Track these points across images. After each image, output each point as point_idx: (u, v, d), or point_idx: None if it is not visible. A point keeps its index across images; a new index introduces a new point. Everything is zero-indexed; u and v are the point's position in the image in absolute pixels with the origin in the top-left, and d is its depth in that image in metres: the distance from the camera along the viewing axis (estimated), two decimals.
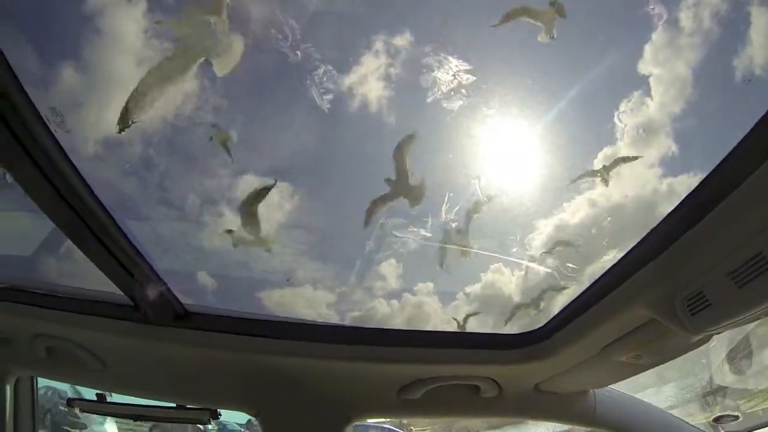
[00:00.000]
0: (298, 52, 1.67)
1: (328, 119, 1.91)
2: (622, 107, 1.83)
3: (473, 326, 2.08)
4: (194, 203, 2.05)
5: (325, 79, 1.71)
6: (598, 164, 1.88)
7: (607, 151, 1.88)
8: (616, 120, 1.84)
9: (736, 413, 2.57)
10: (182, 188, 2.05)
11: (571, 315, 1.39)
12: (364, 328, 1.65)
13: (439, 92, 1.71)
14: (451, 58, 1.67)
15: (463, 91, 1.70)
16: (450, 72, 1.68)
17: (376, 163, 1.98)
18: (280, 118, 1.97)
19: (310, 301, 2.10)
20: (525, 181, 1.93)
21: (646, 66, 1.81)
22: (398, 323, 2.09)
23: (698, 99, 1.84)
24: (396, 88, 1.86)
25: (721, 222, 0.97)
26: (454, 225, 1.89)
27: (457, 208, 1.87)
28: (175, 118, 1.87)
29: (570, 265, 1.89)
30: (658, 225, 1.13)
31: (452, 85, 1.69)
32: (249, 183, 1.97)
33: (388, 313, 2.11)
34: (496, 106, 1.72)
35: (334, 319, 2.08)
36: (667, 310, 1.15)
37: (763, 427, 2.46)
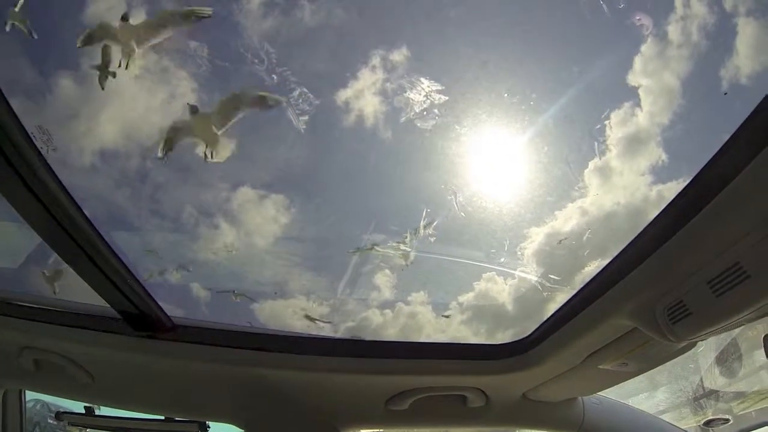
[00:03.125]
0: (274, 76, 1.69)
1: (323, 132, 1.93)
2: (612, 117, 1.85)
3: (466, 335, 2.09)
4: (189, 215, 2.04)
5: (300, 101, 1.73)
6: (588, 175, 1.89)
7: (597, 161, 1.89)
8: (606, 130, 1.85)
9: (726, 416, 2.58)
10: (177, 200, 2.05)
11: (555, 325, 1.40)
12: (350, 339, 1.65)
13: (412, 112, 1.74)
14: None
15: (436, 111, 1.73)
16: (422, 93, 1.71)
17: (368, 175, 2.01)
18: (276, 131, 1.96)
19: (304, 312, 2.07)
20: (516, 190, 1.92)
21: (635, 77, 1.82)
22: (392, 333, 2.07)
23: (686, 109, 1.85)
24: (391, 103, 1.86)
25: (699, 231, 0.98)
26: (432, 240, 1.89)
27: (435, 223, 1.88)
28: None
29: (555, 277, 1.90)
30: (638, 235, 1.14)
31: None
32: (245, 195, 1.98)
33: (382, 323, 2.10)
34: (482, 114, 1.74)
35: (327, 329, 2.06)
36: (648, 319, 1.16)
37: (752, 430, 2.47)
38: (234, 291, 2.02)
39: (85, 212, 1.25)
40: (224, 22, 1.74)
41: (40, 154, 1.13)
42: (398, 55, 1.77)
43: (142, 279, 1.45)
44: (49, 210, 1.16)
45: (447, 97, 1.72)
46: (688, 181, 1.02)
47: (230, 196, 2.00)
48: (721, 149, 0.93)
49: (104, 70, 1.67)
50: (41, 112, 1.74)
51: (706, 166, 0.97)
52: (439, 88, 1.71)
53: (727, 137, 0.92)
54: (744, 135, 0.89)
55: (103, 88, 1.71)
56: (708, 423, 2.54)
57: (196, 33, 1.72)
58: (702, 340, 1.22)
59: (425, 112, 1.75)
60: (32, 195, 1.12)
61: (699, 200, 0.95)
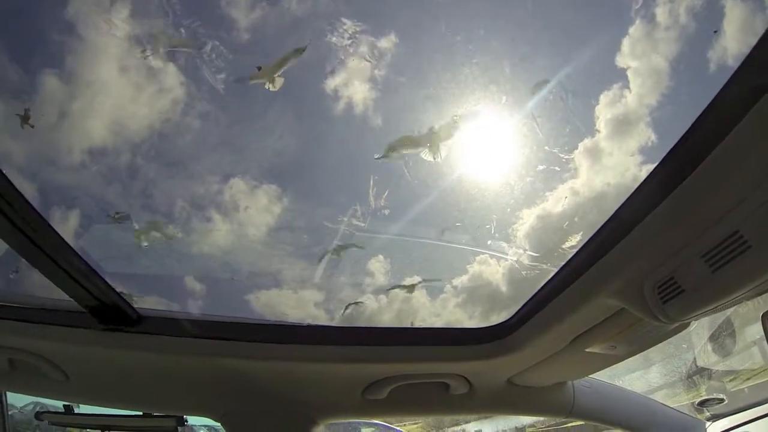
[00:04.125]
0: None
1: (312, 121, 1.97)
2: (601, 99, 1.85)
3: (461, 318, 2.08)
4: (181, 209, 2.07)
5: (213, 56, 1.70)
6: (578, 156, 1.88)
7: (587, 142, 1.88)
8: (596, 111, 1.85)
9: (721, 396, 2.55)
10: (168, 194, 2.07)
11: (536, 306, 1.32)
12: (326, 326, 1.60)
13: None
14: None
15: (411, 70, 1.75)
16: None
17: (359, 163, 2.02)
18: (264, 121, 2.00)
19: (298, 301, 2.10)
20: (506, 172, 1.90)
21: (623, 59, 1.82)
22: (387, 319, 2.08)
23: (674, 90, 1.85)
24: (382, 90, 1.89)
25: (690, 197, 0.87)
26: (386, 212, 1.86)
27: (386, 193, 1.85)
28: (162, 125, 1.92)
29: (539, 254, 1.87)
30: (622, 204, 1.03)
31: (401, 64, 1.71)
32: (236, 187, 2.00)
33: (377, 309, 2.10)
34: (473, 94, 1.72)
35: (322, 317, 2.07)
36: (636, 299, 1.07)
37: (748, 409, 2.45)
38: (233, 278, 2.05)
39: (39, 212, 1.22)
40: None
41: None
42: (386, 42, 1.77)
43: (102, 272, 1.39)
44: (1, 210, 1.12)
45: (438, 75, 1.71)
46: (674, 144, 0.91)
47: (222, 188, 2.04)
48: (711, 103, 0.82)
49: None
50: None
51: (694, 123, 0.86)
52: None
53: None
54: (731, 92, 0.78)
55: None
56: (702, 403, 2.51)
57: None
58: (695, 320, 1.13)
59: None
60: None
61: (688, 162, 0.84)
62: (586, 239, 1.14)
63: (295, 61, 1.70)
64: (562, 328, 1.29)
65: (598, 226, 1.11)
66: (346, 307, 2.01)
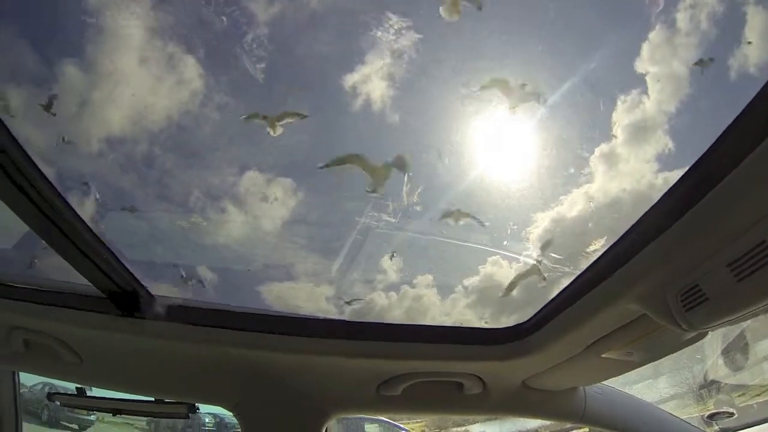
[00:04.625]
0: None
1: (329, 115, 1.96)
2: (619, 104, 1.83)
3: (471, 319, 2.07)
4: (197, 199, 2.08)
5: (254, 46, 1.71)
6: (594, 160, 1.86)
7: (603, 147, 1.86)
8: (614, 116, 1.83)
9: (731, 410, 2.52)
10: (184, 184, 2.09)
11: (556, 310, 1.31)
12: (344, 321, 1.61)
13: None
14: None
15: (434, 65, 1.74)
16: None
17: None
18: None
19: (310, 295, 2.11)
20: (521, 173, 1.90)
21: (643, 64, 1.81)
22: (397, 316, 2.09)
23: (693, 97, 1.84)
24: (400, 88, 1.88)
25: (719, 207, 0.87)
26: (418, 209, 1.86)
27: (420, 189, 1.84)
28: (181, 116, 1.94)
29: (558, 257, 1.86)
30: (648, 211, 1.02)
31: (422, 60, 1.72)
32: (252, 179, 2.00)
33: (387, 306, 2.11)
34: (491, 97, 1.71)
35: (332, 312, 2.09)
36: (659, 306, 1.06)
37: (758, 424, 2.42)
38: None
39: (63, 195, 1.24)
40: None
41: (11, 135, 1.09)
42: (406, 40, 1.76)
43: (124, 259, 1.41)
44: (23, 190, 1.13)
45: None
46: (704, 152, 0.90)
47: (237, 180, 2.04)
48: (741, 113, 0.82)
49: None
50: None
51: (725, 132, 0.85)
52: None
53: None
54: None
55: None
56: (712, 416, 2.48)
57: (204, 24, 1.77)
58: (716, 329, 1.12)
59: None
60: (6, 176, 1.09)
61: (718, 171, 0.83)
62: (611, 243, 1.14)
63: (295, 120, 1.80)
64: (581, 332, 1.29)
65: (619, 231, 1.11)
66: (350, 302, 2.01)
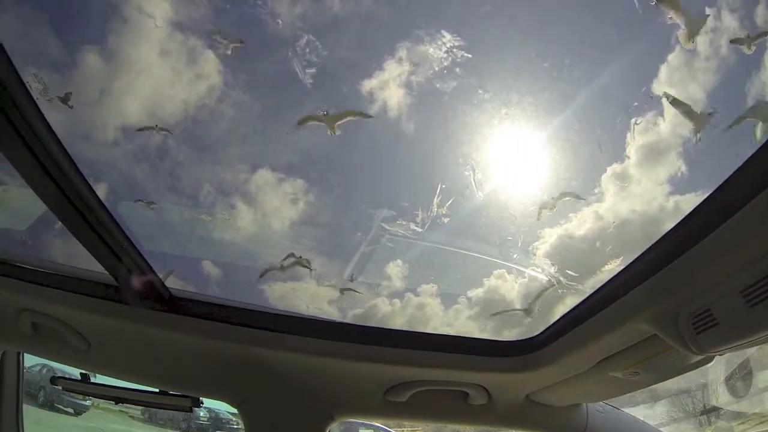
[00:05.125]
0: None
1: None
2: (634, 125, 1.82)
3: (472, 330, 2.06)
4: (207, 193, 2.09)
5: (307, 50, 1.73)
6: (606, 180, 1.86)
7: (616, 167, 1.87)
8: (627, 137, 1.82)
9: None
10: (195, 178, 2.10)
11: (568, 326, 1.33)
12: (353, 325, 1.61)
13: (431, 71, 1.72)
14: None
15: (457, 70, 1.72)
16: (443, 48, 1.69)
17: (389, 165, 2.03)
18: (296, 115, 1.98)
19: (313, 297, 2.11)
20: (531, 188, 1.89)
21: (660, 86, 1.79)
22: (399, 323, 2.09)
23: (709, 123, 1.80)
24: (417, 95, 1.89)
25: (734, 235, 0.90)
26: (446, 221, 1.85)
27: (450, 202, 1.84)
28: (197, 110, 1.94)
29: (571, 273, 1.85)
30: (665, 234, 1.05)
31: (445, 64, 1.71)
32: (264, 177, 2.01)
33: (390, 312, 2.11)
34: (509, 107, 1.71)
35: (335, 315, 2.08)
36: (670, 327, 1.08)
37: None
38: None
39: (87, 178, 1.25)
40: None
41: (45, 120, 1.12)
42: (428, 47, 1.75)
43: (142, 249, 1.43)
44: (50, 174, 1.16)
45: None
46: (723, 181, 0.93)
47: (249, 178, 2.05)
48: (760, 149, 0.85)
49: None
50: (67, 86, 1.75)
51: (743, 164, 0.88)
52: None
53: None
54: None
55: None
56: None
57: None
58: (725, 354, 1.13)
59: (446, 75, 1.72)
60: (32, 155, 1.11)
61: (736, 200, 0.86)
62: (627, 263, 1.15)
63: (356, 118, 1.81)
64: (591, 350, 1.30)
65: (626, 253, 1.12)
66: (342, 291, 2.02)
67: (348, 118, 1.82)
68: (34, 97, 1.09)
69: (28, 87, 1.06)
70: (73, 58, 1.78)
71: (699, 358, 1.22)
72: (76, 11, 1.80)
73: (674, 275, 1.02)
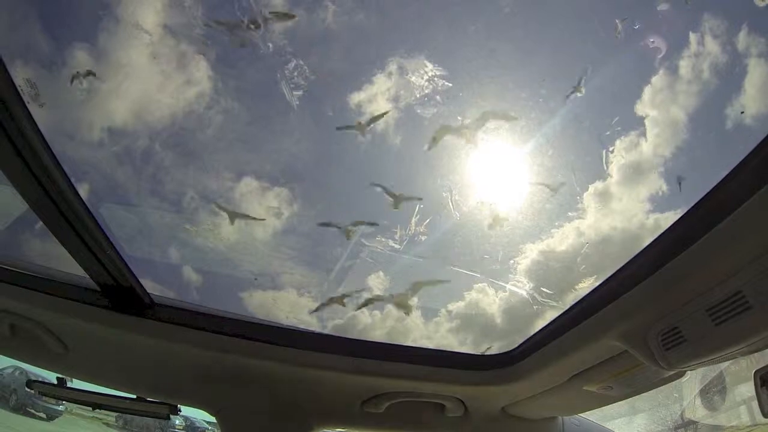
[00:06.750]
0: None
1: (330, 131, 1.97)
2: (617, 144, 1.86)
3: (452, 343, 2.07)
4: (190, 199, 2.07)
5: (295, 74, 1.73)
6: (587, 198, 1.89)
7: (597, 185, 1.90)
8: (609, 156, 1.86)
9: None
10: (179, 183, 2.07)
11: (542, 341, 1.36)
12: (333, 336, 1.62)
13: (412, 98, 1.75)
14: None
15: (438, 97, 1.74)
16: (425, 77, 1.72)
17: (375, 178, 2.01)
18: (283, 125, 2.01)
19: (293, 306, 2.10)
20: (514, 204, 1.92)
21: (643, 107, 1.85)
22: (379, 335, 2.06)
23: (689, 144, 1.88)
24: (403, 109, 1.90)
25: (701, 257, 0.95)
26: (423, 238, 1.88)
27: (427, 221, 1.86)
28: (184, 115, 1.93)
29: (548, 291, 1.88)
30: (637, 255, 1.10)
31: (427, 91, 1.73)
32: (248, 186, 2.00)
33: (370, 324, 2.09)
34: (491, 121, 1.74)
35: (315, 325, 2.07)
36: (640, 344, 1.12)
37: None
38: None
39: (72, 180, 1.23)
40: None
41: (31, 117, 1.10)
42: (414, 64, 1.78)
43: (123, 253, 1.41)
44: (33, 172, 1.13)
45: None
46: (692, 205, 0.99)
47: (233, 186, 2.03)
48: (727, 176, 0.91)
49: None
50: (54, 83, 1.76)
51: (712, 190, 0.94)
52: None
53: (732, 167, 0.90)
54: (753, 162, 0.86)
55: None
56: None
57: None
58: (693, 370, 1.18)
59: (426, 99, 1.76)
60: (16, 153, 1.08)
61: (703, 225, 0.91)
62: (600, 282, 1.19)
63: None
64: (564, 364, 1.33)
65: (606, 267, 1.16)
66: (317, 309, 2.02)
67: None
68: (20, 93, 1.06)
69: (14, 84, 1.03)
70: (62, 54, 1.76)
71: (670, 373, 1.26)
72: (65, 8, 1.79)
73: (644, 294, 1.06)
